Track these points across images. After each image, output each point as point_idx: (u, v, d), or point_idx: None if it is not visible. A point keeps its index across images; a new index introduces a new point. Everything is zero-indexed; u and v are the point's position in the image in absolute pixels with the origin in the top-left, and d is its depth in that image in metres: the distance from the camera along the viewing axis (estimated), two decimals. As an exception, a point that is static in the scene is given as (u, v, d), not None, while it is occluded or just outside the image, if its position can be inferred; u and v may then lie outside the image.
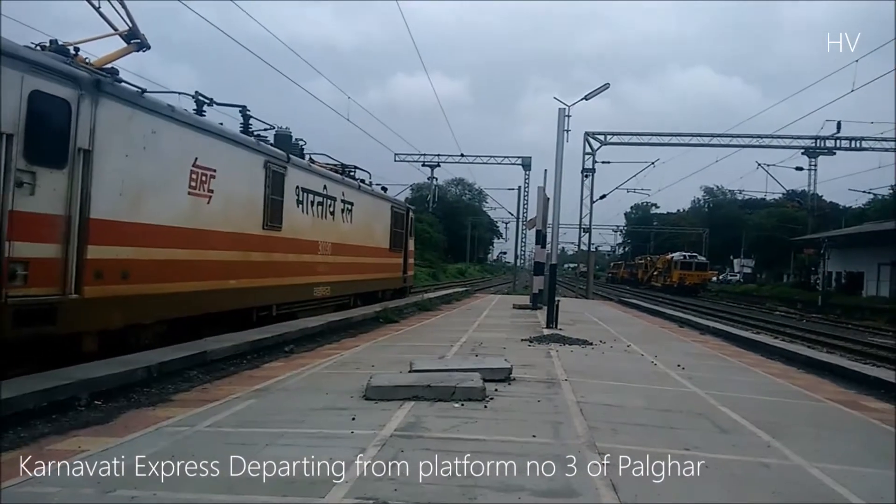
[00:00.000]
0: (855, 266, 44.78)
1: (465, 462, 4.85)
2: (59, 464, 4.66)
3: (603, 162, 40.72)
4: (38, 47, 8.18)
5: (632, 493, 4.32)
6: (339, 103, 54.35)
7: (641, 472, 4.81)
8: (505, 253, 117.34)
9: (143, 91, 9.28)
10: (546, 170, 22.82)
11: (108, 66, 9.37)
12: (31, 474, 4.40)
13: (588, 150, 39.06)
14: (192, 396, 7.19)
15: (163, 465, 4.68)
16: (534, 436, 5.68)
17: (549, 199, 20.10)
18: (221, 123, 11.69)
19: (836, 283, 46.91)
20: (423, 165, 50.31)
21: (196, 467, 4.64)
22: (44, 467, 4.56)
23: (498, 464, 4.85)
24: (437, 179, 52.97)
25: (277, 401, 6.98)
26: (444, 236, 77.49)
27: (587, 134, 39.05)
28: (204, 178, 10.60)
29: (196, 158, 10.41)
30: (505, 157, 50.87)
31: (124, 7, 9.95)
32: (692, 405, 7.40)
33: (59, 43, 8.49)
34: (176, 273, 9.99)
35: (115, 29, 10.06)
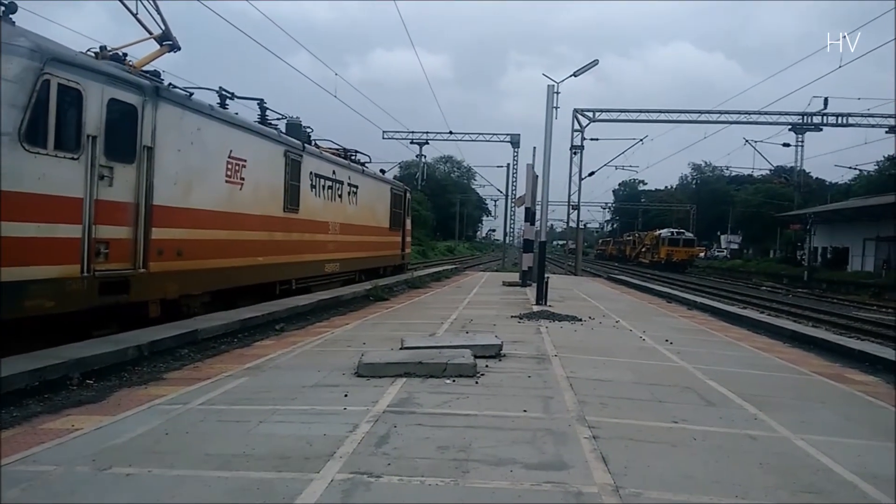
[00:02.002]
0: (840, 241, 45.19)
1: (457, 437, 4.92)
2: (53, 442, 4.68)
3: (591, 139, 40.75)
4: (92, 53, 9.20)
5: (621, 465, 4.39)
6: (322, 79, 54.00)
7: (630, 445, 4.90)
8: (494, 230, 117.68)
9: (191, 94, 10.66)
10: (535, 147, 22.88)
11: (149, 67, 10.39)
12: (26, 453, 4.42)
13: (576, 126, 38.97)
14: (183, 375, 7.21)
15: (157, 442, 4.72)
16: (525, 410, 5.75)
17: (537, 176, 20.09)
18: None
19: (821, 259, 47.34)
20: (411, 143, 50.20)
21: (190, 444, 4.68)
22: (38, 446, 4.58)
23: (489, 438, 4.92)
24: (425, 157, 52.89)
25: (269, 378, 7.02)
26: (433, 214, 77.42)
27: (576, 111, 38.93)
28: (237, 168, 12.02)
29: (231, 150, 11.82)
30: (493, 134, 50.88)
31: (159, 13, 10.91)
32: (680, 379, 7.50)
33: (108, 49, 9.55)
34: (217, 251, 11.42)
35: (151, 33, 10.97)
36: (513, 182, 48.16)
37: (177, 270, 10.14)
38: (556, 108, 17.53)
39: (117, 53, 9.66)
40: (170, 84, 10.18)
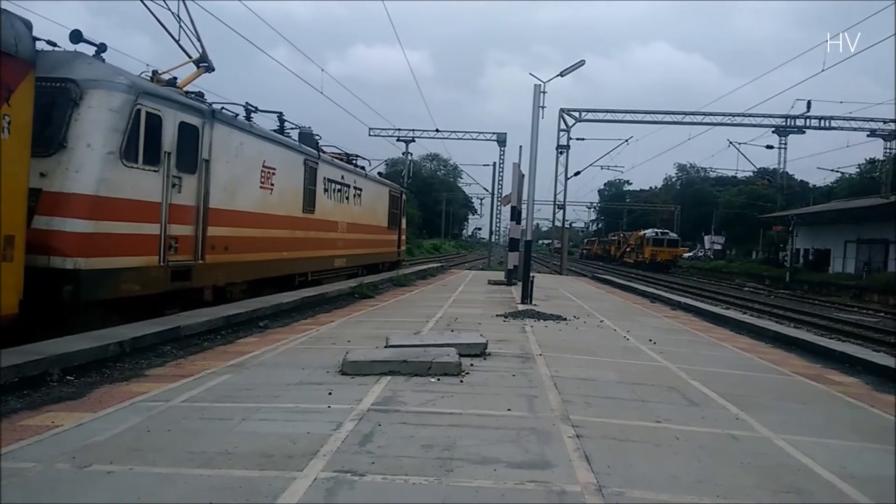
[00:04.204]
0: (822, 243, 45.63)
1: (441, 435, 4.91)
2: (33, 439, 4.62)
3: (578, 139, 40.87)
4: (146, 76, 10.73)
5: (604, 465, 4.41)
6: (301, 74, 53.73)
7: (614, 444, 4.92)
8: (480, 229, 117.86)
9: (237, 115, 12.78)
10: (521, 146, 22.90)
11: (191, 88, 12.09)
12: (5, 450, 4.35)
13: (563, 126, 39.08)
14: (166, 371, 7.14)
15: (138, 440, 4.68)
16: (509, 409, 5.76)
17: (523, 175, 20.12)
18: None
19: (803, 260, 47.77)
20: (398, 140, 50.03)
21: (172, 442, 4.64)
22: (18, 443, 4.52)
23: (474, 437, 4.92)
24: (411, 154, 52.75)
25: (253, 376, 6.97)
26: (419, 212, 77.36)
27: (562, 110, 39.04)
28: (269, 175, 13.98)
29: (264, 161, 13.77)
30: (480, 132, 50.81)
31: (199, 40, 12.69)
32: (663, 379, 7.55)
33: (159, 73, 11.27)
34: (252, 246, 13.32)
35: (190, 57, 12.65)
36: (499, 181, 48.19)
37: (224, 262, 12.07)
38: (543, 107, 17.58)
39: (173, 78, 11.48)
40: (222, 107, 12.15)
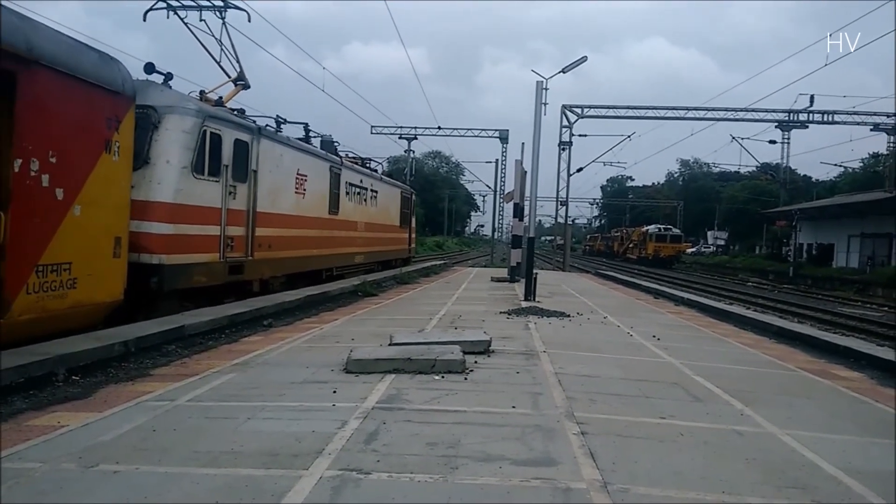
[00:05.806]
0: (826, 238, 45.55)
1: (446, 433, 4.92)
2: (39, 440, 4.64)
3: (580, 135, 40.81)
4: (195, 95, 12.18)
5: (609, 461, 4.41)
6: (302, 73, 53.65)
7: (619, 441, 4.92)
8: (482, 226, 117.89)
9: (278, 131, 14.77)
10: (523, 143, 22.87)
11: (234, 105, 13.64)
12: (11, 450, 4.37)
13: (565, 122, 39.03)
14: (170, 371, 7.16)
15: (144, 439, 4.69)
16: (513, 406, 5.76)
17: (526, 172, 20.11)
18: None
19: (807, 255, 47.69)
20: (400, 138, 49.98)
21: (178, 441, 4.65)
22: (24, 443, 4.54)
23: (478, 434, 4.93)
24: (413, 152, 52.69)
25: (257, 375, 6.98)
26: (422, 209, 77.36)
27: (564, 107, 39.01)
28: (302, 181, 15.77)
29: (298, 169, 15.55)
30: (482, 129, 50.84)
31: (238, 61, 14.42)
32: (667, 375, 7.55)
33: (206, 92, 12.82)
34: (290, 245, 15.06)
35: (229, 76, 14.24)
36: (501, 177, 48.16)
37: (268, 258, 13.77)
38: (546, 104, 17.57)
39: (220, 97, 13.17)
40: (266, 125, 14.03)
